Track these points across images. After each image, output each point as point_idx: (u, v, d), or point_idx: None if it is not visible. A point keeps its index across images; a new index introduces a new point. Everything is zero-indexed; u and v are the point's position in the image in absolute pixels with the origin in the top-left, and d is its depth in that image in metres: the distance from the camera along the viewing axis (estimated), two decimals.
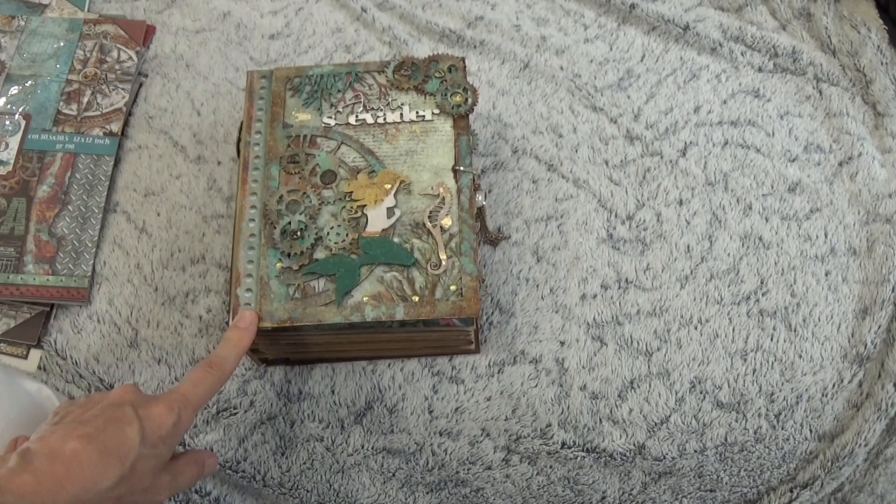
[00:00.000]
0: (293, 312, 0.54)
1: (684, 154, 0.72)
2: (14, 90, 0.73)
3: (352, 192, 0.58)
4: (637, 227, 0.69)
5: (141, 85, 0.76)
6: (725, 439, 0.61)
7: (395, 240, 0.56)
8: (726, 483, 0.62)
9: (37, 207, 0.68)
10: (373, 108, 0.61)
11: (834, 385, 0.63)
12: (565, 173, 0.71)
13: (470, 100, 0.61)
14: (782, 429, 0.62)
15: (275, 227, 0.56)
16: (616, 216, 0.69)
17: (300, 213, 0.57)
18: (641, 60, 0.78)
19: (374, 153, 0.60)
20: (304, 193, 0.57)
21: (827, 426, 0.62)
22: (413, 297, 0.55)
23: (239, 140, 0.62)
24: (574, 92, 0.75)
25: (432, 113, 0.61)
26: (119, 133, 0.72)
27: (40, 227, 0.67)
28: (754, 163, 0.71)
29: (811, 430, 0.62)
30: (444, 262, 0.56)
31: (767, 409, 0.62)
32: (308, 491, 0.61)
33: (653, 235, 0.68)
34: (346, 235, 0.56)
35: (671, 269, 0.67)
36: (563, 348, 0.64)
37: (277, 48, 0.78)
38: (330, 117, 0.61)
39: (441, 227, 0.57)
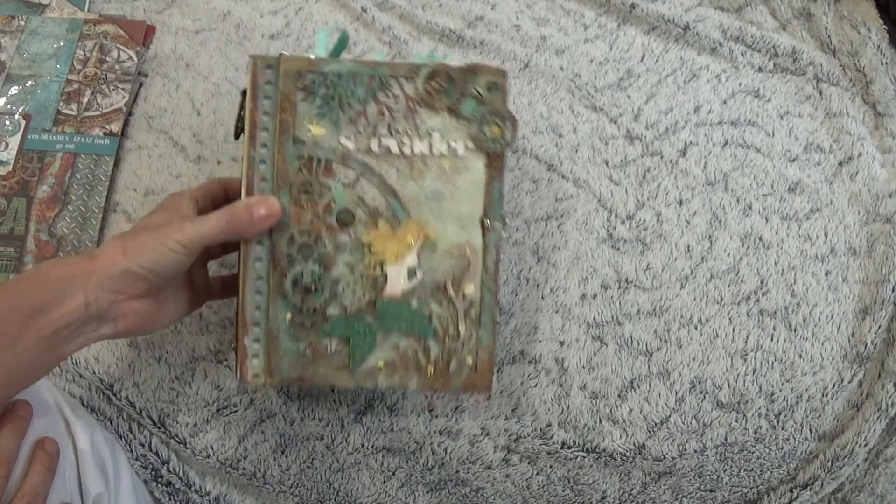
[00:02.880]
0: (304, 371, 0.53)
1: (684, 154, 0.72)
2: (14, 90, 0.73)
3: (371, 243, 0.53)
4: (637, 227, 0.69)
5: (141, 85, 0.76)
6: (725, 439, 0.61)
7: (414, 303, 0.53)
8: (726, 483, 0.61)
9: (37, 207, 0.68)
10: (398, 132, 0.54)
11: (834, 385, 0.63)
12: (565, 173, 0.71)
13: (508, 134, 0.55)
14: (782, 429, 0.62)
15: (285, 275, 0.52)
16: (616, 216, 0.69)
17: (313, 262, 0.53)
18: (641, 60, 0.78)
19: (396, 194, 0.54)
20: (318, 237, 0.53)
21: (827, 426, 0.62)
22: (428, 368, 0.53)
23: (238, 123, 0.56)
24: (574, 92, 0.75)
25: (465, 147, 0.54)
26: (119, 133, 0.72)
27: (40, 227, 0.67)
28: (754, 163, 0.71)
29: (811, 430, 0.62)
30: (462, 334, 0.54)
31: (767, 409, 0.62)
32: (308, 489, 0.61)
33: (653, 235, 0.68)
34: (364, 295, 0.53)
35: (671, 269, 0.67)
36: (562, 348, 0.64)
37: (277, 48, 0.78)
38: (348, 138, 0.53)
39: (463, 293, 0.54)
